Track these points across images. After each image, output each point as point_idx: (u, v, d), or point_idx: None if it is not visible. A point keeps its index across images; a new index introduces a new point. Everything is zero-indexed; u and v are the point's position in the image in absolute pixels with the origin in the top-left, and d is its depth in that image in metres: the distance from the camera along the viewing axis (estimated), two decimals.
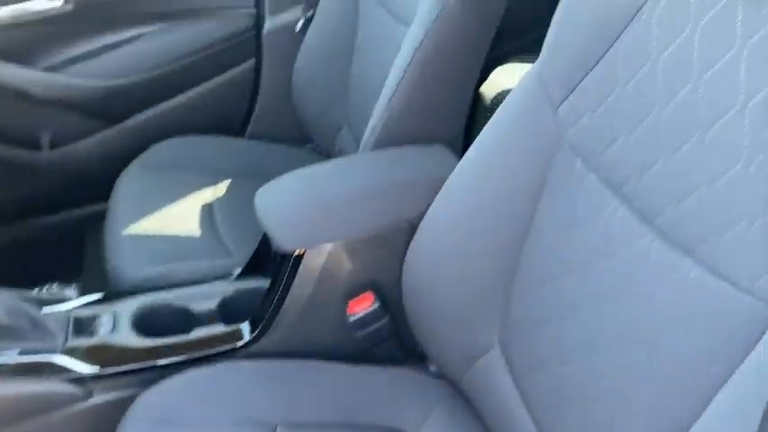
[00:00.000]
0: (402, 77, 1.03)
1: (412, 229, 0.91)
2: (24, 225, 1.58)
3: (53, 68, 1.47)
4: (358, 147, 1.32)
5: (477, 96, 1.51)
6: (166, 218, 1.28)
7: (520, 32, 1.39)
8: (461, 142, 1.14)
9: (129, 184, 1.39)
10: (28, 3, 1.39)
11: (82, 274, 1.52)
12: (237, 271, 1.07)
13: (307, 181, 1.00)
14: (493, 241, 0.81)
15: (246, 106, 1.63)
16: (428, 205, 0.89)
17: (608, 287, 0.65)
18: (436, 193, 0.88)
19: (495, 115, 0.83)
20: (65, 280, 1.55)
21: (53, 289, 1.54)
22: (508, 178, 0.80)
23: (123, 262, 1.16)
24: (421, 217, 0.89)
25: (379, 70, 1.17)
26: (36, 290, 1.52)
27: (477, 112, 1.33)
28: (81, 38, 1.47)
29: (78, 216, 1.60)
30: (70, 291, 1.54)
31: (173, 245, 1.20)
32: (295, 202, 0.96)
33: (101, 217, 1.52)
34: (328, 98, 1.44)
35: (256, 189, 1.38)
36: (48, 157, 1.54)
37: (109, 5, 1.46)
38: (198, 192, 1.38)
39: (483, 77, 1.58)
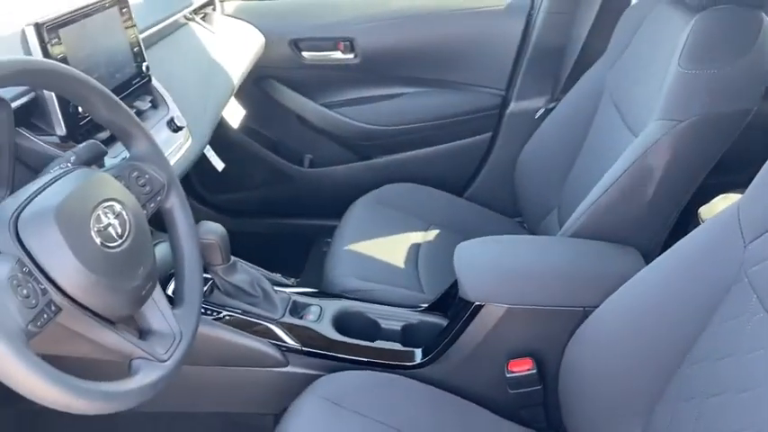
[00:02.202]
0: (614, 181, 1.13)
1: (584, 315, 1.00)
2: (272, 222, 1.94)
3: (328, 105, 1.81)
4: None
5: (693, 216, 1.53)
6: (381, 246, 1.50)
7: (746, 166, 1.40)
8: (657, 253, 1.20)
9: (359, 211, 1.63)
10: (330, 52, 1.74)
11: (302, 274, 1.81)
12: (424, 305, 1.23)
13: (504, 246, 1.14)
14: (655, 348, 0.85)
15: (473, 171, 1.82)
16: (606, 298, 0.97)
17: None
18: (616, 288, 0.96)
19: (689, 235, 0.90)
20: (288, 273, 1.88)
21: (277, 276, 1.87)
22: (684, 295, 0.85)
23: (338, 271, 1.39)
24: (595, 306, 0.98)
25: (598, 168, 1.27)
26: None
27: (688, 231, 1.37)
28: (359, 86, 1.79)
29: (313, 225, 1.91)
30: (290, 283, 1.85)
31: (379, 268, 1.41)
32: (489, 261, 1.10)
33: (330, 230, 1.81)
34: (547, 182, 1.57)
35: (458, 242, 1.59)
36: (305, 174, 1.88)
37: (387, 66, 1.75)
38: (411, 232, 1.58)
39: (705, 200, 1.60)
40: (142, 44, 1.14)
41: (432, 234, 1.60)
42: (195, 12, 1.55)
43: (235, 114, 1.65)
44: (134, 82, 1.11)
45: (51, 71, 0.70)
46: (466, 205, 1.76)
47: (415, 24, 1.70)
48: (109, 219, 0.71)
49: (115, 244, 0.71)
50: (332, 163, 1.87)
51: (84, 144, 0.86)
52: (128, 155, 0.86)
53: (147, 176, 0.84)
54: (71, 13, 0.96)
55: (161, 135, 1.12)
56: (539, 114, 1.67)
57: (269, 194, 1.93)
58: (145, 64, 1.14)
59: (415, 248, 1.53)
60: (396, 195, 1.69)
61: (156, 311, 0.79)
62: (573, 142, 1.52)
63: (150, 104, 1.15)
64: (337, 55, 1.75)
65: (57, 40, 0.92)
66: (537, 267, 1.09)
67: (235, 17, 1.74)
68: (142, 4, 1.32)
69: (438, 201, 1.73)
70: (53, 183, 0.71)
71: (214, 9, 1.66)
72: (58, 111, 0.91)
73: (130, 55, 1.11)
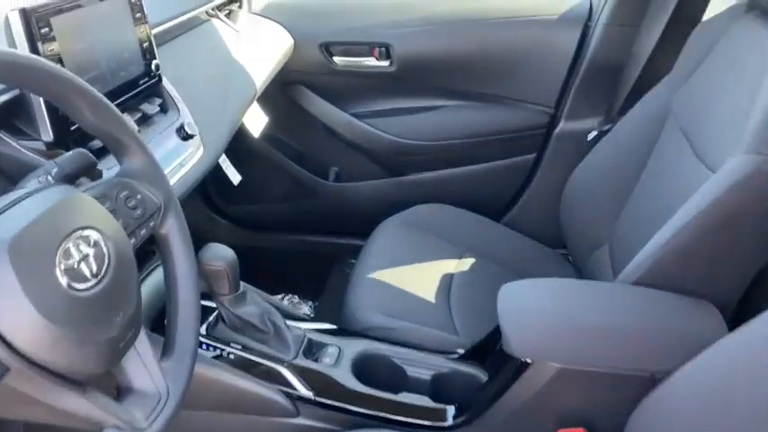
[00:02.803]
0: (688, 222, 0.97)
1: (651, 381, 0.84)
2: (292, 238, 1.80)
3: (359, 115, 1.67)
4: (613, 271, 1.27)
5: None
6: (409, 274, 1.35)
7: None
8: (733, 308, 1.03)
9: (387, 232, 1.48)
10: (364, 58, 1.59)
11: (322, 295, 1.66)
12: (459, 352, 1.07)
13: (557, 292, 0.98)
14: None
15: (512, 195, 1.66)
16: (679, 363, 0.81)
17: None
18: (692, 353, 0.80)
19: None
20: (306, 295, 1.74)
21: (294, 299, 1.73)
22: None
23: (361, 303, 1.24)
24: (666, 373, 0.82)
25: (663, 203, 1.11)
26: (281, 296, 1.72)
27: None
28: (393, 96, 1.65)
29: (336, 244, 1.77)
30: (306, 307, 1.71)
31: (406, 303, 1.26)
32: (539, 311, 0.94)
33: (353, 250, 1.66)
34: (599, 212, 1.41)
35: (497, 275, 1.44)
36: (330, 188, 1.74)
37: (425, 76, 1.60)
38: (443, 260, 1.43)
39: None
40: (153, 40, 1.00)
41: (466, 263, 1.45)
42: (219, 8, 1.41)
43: (257, 122, 1.51)
44: (141, 82, 0.97)
45: (17, 63, 0.56)
46: (504, 232, 1.60)
47: (458, 32, 1.55)
48: (82, 252, 0.57)
49: (87, 285, 0.56)
50: (359, 178, 1.73)
51: (69, 154, 0.73)
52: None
53: (139, 197, 0.69)
54: (71, 0, 0.82)
55: (169, 143, 0.98)
56: (591, 136, 1.51)
57: (290, 208, 1.80)
58: (155, 62, 1.00)
59: (448, 279, 1.38)
60: (427, 217, 1.54)
61: (139, 365, 0.64)
62: (630, 171, 1.35)
63: (159, 108, 1.01)
64: (371, 62, 1.60)
65: (48, 30, 0.79)
66: (597, 322, 0.93)
67: (262, 16, 1.61)
68: None
69: (473, 225, 1.58)
70: (18, 203, 0.57)
71: (240, 6, 1.53)
72: (45, 112, 0.78)
73: (138, 51, 0.97)
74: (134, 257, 0.64)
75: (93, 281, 0.57)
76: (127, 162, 0.70)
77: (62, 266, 0.55)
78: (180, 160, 0.98)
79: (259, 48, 1.46)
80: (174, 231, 0.73)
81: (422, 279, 1.36)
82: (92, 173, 0.76)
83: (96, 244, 0.59)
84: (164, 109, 1.03)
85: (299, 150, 1.76)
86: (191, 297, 0.75)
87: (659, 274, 1.00)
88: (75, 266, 0.56)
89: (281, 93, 1.66)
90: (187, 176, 0.98)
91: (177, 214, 0.74)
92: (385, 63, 1.60)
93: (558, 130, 1.55)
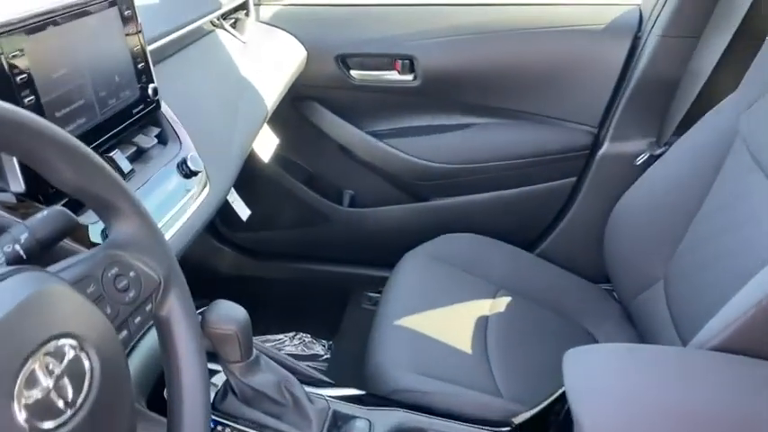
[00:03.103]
0: None
1: None
2: (303, 267, 1.64)
3: (378, 134, 1.51)
4: (671, 314, 1.12)
5: None
6: (440, 320, 1.19)
7: None
8: None
9: (410, 269, 1.32)
10: (384, 72, 1.43)
11: (337, 334, 1.50)
12: (511, 424, 0.91)
13: (632, 367, 0.82)
14: None
15: (548, 223, 1.50)
16: None
17: None
18: None
19: None
20: (319, 332, 1.58)
21: (306, 338, 1.57)
22: None
23: (387, 358, 1.08)
24: None
25: (732, 241, 0.97)
26: (291, 334, 1.56)
27: None
28: (416, 114, 1.49)
29: (352, 275, 1.61)
30: (320, 347, 1.55)
31: (440, 358, 1.10)
32: (616, 392, 0.78)
33: (369, 281, 1.50)
34: (650, 246, 1.25)
35: (537, 316, 1.28)
36: (344, 213, 1.57)
37: (453, 91, 1.44)
38: (476, 300, 1.27)
39: None
40: (150, 59, 0.84)
41: (501, 302, 1.29)
42: (224, 17, 1.25)
43: (267, 144, 1.35)
44: (136, 111, 0.81)
45: None
46: (539, 264, 1.44)
47: (490, 43, 1.38)
48: (53, 374, 0.41)
49: (59, 422, 0.40)
50: (377, 203, 1.56)
51: (43, 213, 0.57)
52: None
53: (132, 274, 0.53)
54: (46, 14, 0.66)
55: (169, 183, 0.82)
56: (640, 160, 1.35)
57: (301, 236, 1.63)
58: (152, 86, 0.84)
59: (483, 323, 1.22)
60: (456, 248, 1.38)
61: None
62: (689, 200, 1.19)
63: (156, 140, 0.85)
64: (393, 75, 1.44)
65: (19, 52, 0.63)
66: (684, 403, 0.77)
67: (272, 25, 1.45)
68: (156, 5, 1.03)
69: (506, 257, 1.42)
70: None
71: (247, 14, 1.37)
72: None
73: (133, 73, 0.81)
74: (126, 365, 0.48)
75: (68, 413, 0.41)
76: (117, 229, 0.54)
77: (23, 401, 0.39)
78: (182, 203, 0.82)
79: (269, 61, 1.30)
80: (178, 313, 0.57)
81: (455, 324, 1.20)
82: (74, 234, 0.60)
83: (74, 359, 0.43)
84: (162, 140, 0.87)
85: (310, 172, 1.60)
86: (198, 392, 0.59)
87: (748, 338, 0.84)
88: (44, 396, 0.40)
89: (292, 109, 1.50)
90: (190, 223, 0.82)
91: (181, 290, 0.58)
92: (408, 77, 1.44)
93: (601, 152, 1.39)
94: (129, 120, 0.80)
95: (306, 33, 1.43)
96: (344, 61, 1.44)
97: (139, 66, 0.82)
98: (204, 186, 0.88)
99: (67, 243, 0.64)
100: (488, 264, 1.38)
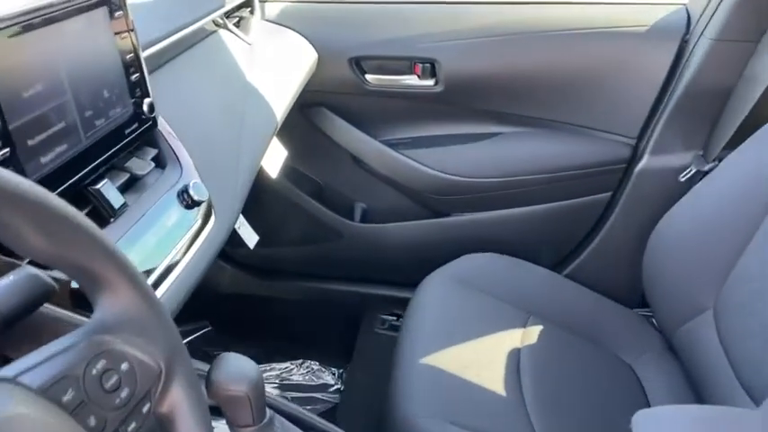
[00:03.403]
0: None
1: None
2: (312, 286, 1.51)
3: (394, 144, 1.38)
4: (724, 350, 1.01)
5: None
6: (467, 356, 1.07)
7: None
8: None
9: (432, 297, 1.20)
10: (403, 76, 1.30)
11: (351, 363, 1.38)
12: None
13: None
14: None
15: (579, 241, 1.38)
16: None
17: None
18: None
19: None
20: (329, 359, 1.46)
21: (313, 366, 1.45)
22: None
23: (414, 403, 0.96)
24: None
25: None
26: (299, 362, 1.44)
27: None
28: (437, 122, 1.36)
29: (365, 295, 1.49)
30: (330, 375, 1.42)
31: (471, 402, 0.98)
32: None
33: (383, 302, 1.38)
34: (694, 272, 1.13)
35: (572, 348, 1.16)
36: (356, 229, 1.45)
37: (478, 98, 1.32)
38: (506, 330, 1.15)
39: None
40: (145, 68, 0.71)
41: (533, 332, 1.18)
42: (227, 15, 1.12)
43: (274, 159, 1.22)
44: (128, 131, 0.68)
45: None
46: (570, 288, 1.32)
47: (520, 45, 1.25)
48: None
49: None
50: (392, 218, 1.44)
51: (9, 279, 0.44)
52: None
53: (124, 366, 0.41)
54: (15, 17, 0.53)
55: (168, 217, 0.69)
56: (685, 176, 1.23)
57: (308, 253, 1.50)
58: (148, 101, 0.71)
59: (515, 358, 1.10)
60: (480, 270, 1.26)
61: None
62: (743, 222, 1.07)
63: (153, 164, 0.72)
64: (412, 80, 1.31)
65: None
66: None
67: (279, 24, 1.31)
68: (151, 3, 0.89)
69: (535, 280, 1.30)
70: None
71: (252, 12, 1.23)
72: None
73: (125, 86, 0.68)
74: None
75: None
76: (105, 306, 0.41)
77: None
78: (184, 241, 0.69)
79: (278, 65, 1.17)
80: (184, 408, 0.45)
81: (485, 360, 1.08)
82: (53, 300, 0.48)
83: None
84: (160, 163, 0.74)
85: (319, 185, 1.47)
86: None
87: None
88: None
89: (300, 116, 1.37)
90: (193, 264, 0.69)
91: (186, 376, 0.45)
92: (429, 82, 1.31)
93: (641, 165, 1.26)
94: (120, 143, 0.67)
95: (316, 33, 1.30)
96: (359, 64, 1.31)
97: (133, 77, 0.69)
98: (209, 218, 0.75)
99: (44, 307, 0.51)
100: (516, 287, 1.26)
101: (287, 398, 1.30)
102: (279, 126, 1.06)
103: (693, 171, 1.21)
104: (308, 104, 1.36)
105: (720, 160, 1.15)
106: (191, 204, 0.72)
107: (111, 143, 0.65)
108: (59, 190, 0.58)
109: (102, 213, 0.63)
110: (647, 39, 1.21)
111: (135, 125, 0.69)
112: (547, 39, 1.24)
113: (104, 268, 0.40)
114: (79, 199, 0.61)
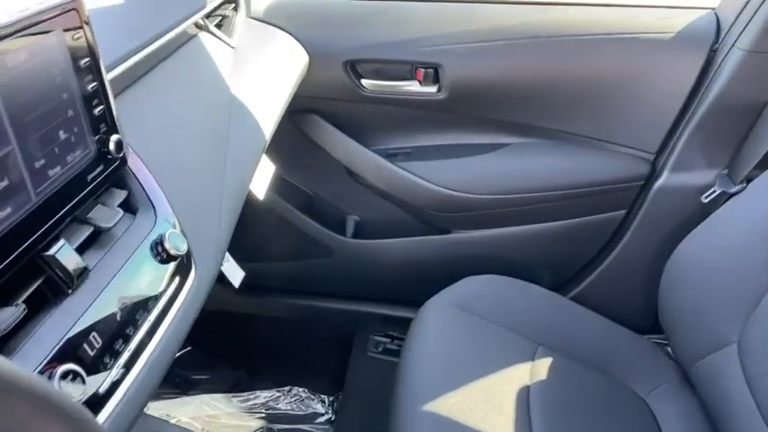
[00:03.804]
0: None
1: None
2: (301, 305, 1.41)
3: (391, 155, 1.27)
4: (749, 389, 0.94)
5: None
6: (474, 395, 0.98)
7: None
8: None
9: (433, 326, 1.10)
10: (403, 82, 1.19)
11: (343, 391, 1.28)
12: None
13: None
14: None
15: (587, 262, 1.29)
16: None
17: None
18: None
19: None
20: (318, 385, 1.36)
21: (302, 393, 1.34)
22: None
23: None
24: None
25: None
26: (286, 389, 1.33)
27: None
28: (439, 132, 1.25)
29: (357, 314, 1.39)
30: (319, 403, 1.32)
31: None
32: None
33: (376, 321, 1.29)
34: (717, 302, 1.05)
35: (584, 382, 1.08)
36: (348, 245, 1.34)
37: (484, 106, 1.20)
38: (514, 365, 1.07)
39: None
40: (111, 97, 0.59)
41: (543, 366, 1.09)
42: (209, 16, 0.99)
43: (262, 178, 1.10)
44: (92, 177, 0.56)
45: None
46: (580, 313, 1.23)
47: (532, 50, 1.14)
48: None
49: None
50: (386, 234, 1.33)
51: None
52: None
53: None
54: None
55: (140, 276, 0.58)
56: (709, 197, 1.14)
57: (297, 269, 1.39)
58: (115, 138, 0.59)
59: (524, 395, 1.03)
60: (484, 294, 1.17)
61: None
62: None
63: (122, 212, 0.60)
64: (413, 86, 1.20)
65: None
66: None
67: (266, 22, 1.18)
68: (120, 10, 0.77)
69: (542, 304, 1.22)
70: None
71: (236, 8, 1.10)
72: None
73: (86, 123, 0.56)
74: None
75: None
76: None
77: None
78: (160, 305, 0.58)
79: (266, 72, 1.04)
80: None
81: (492, 398, 1.00)
82: None
83: None
84: (130, 208, 0.63)
85: (309, 196, 1.36)
86: None
87: None
88: None
89: (290, 123, 1.25)
90: (169, 338, 0.58)
91: None
92: (431, 88, 1.19)
93: (659, 183, 1.17)
94: (81, 193, 0.55)
95: (308, 33, 1.17)
96: (354, 68, 1.19)
97: (96, 110, 0.57)
98: (188, 272, 0.64)
99: None
100: (523, 313, 1.17)
101: (273, 430, 1.20)
102: (268, 143, 0.95)
103: (717, 192, 1.12)
104: (299, 111, 1.24)
105: (748, 181, 1.06)
106: (166, 259, 0.60)
107: (69, 195, 0.53)
108: (3, 265, 0.46)
109: (59, 285, 0.51)
110: (671, 46, 1.10)
111: (99, 168, 0.57)
112: (562, 43, 1.13)
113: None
114: (31, 268, 0.50)
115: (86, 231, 0.56)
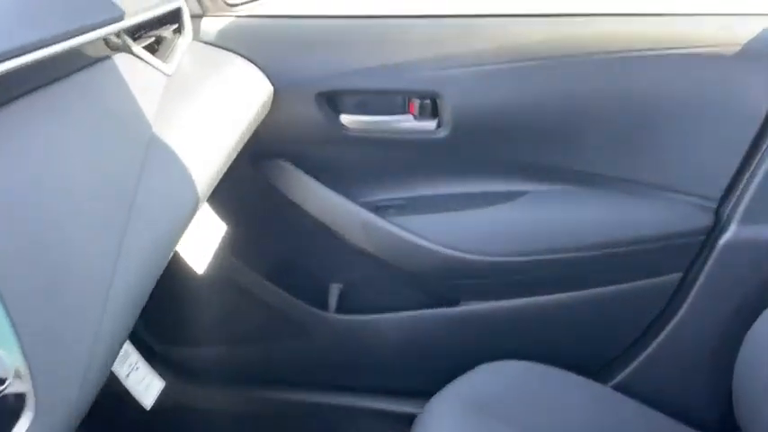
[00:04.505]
0: None
1: None
2: (269, 397, 1.15)
3: (381, 208, 1.04)
4: None
5: None
6: None
7: None
8: None
9: (440, 426, 0.85)
10: (393, 117, 0.96)
11: None
12: None
13: None
14: None
15: (632, 341, 1.04)
16: None
17: None
18: None
19: None
20: None
21: None
22: None
23: None
24: None
25: None
26: None
27: None
28: (440, 178, 1.03)
29: (337, 408, 1.16)
30: None
31: None
32: None
33: (366, 417, 1.08)
34: None
35: None
36: (330, 321, 1.09)
37: (496, 145, 0.98)
38: None
39: None
40: None
41: None
42: (135, 34, 0.75)
43: (204, 243, 0.84)
44: None
45: None
46: (631, 409, 0.98)
47: (556, 73, 0.92)
48: None
49: None
50: (378, 307, 1.09)
51: None
52: None
53: None
54: None
55: None
56: None
57: (264, 353, 1.16)
58: None
59: None
60: (504, 388, 0.93)
61: None
62: None
63: None
64: (406, 122, 0.97)
65: None
66: None
67: (220, 47, 0.96)
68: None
69: (577, 396, 0.98)
70: None
71: (180, 30, 0.87)
72: None
73: None
74: None
75: None
76: None
77: None
78: None
79: (211, 105, 0.80)
80: None
81: None
82: None
83: None
84: None
85: (279, 262, 1.11)
86: None
87: None
88: None
89: (253, 170, 1.02)
90: None
91: None
92: (429, 124, 0.97)
93: (726, 238, 0.93)
94: None
95: (271, 59, 0.95)
96: (331, 101, 0.96)
97: None
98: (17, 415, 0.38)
99: None
100: (555, 412, 0.93)
101: None
102: (206, 197, 0.70)
103: None
104: (264, 156, 1.00)
105: None
106: None
107: None
108: None
109: None
110: (738, 62, 0.88)
111: None
112: (594, 63, 0.91)
113: None
114: None
115: None
